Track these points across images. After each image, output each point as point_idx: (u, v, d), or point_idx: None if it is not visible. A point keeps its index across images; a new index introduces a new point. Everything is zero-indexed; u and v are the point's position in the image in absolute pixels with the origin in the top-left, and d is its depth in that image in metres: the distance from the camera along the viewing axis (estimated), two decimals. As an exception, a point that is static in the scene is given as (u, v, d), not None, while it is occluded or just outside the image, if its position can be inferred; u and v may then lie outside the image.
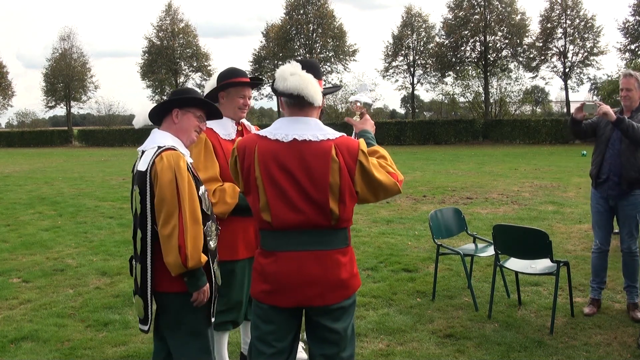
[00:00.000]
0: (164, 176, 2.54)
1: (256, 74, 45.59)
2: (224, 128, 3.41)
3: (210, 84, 3.52)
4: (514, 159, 21.11)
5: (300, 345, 3.80)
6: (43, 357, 4.03)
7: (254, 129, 3.61)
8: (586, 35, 36.89)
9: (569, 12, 36.99)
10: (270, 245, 2.51)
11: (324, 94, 2.69)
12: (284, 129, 2.47)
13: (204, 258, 2.61)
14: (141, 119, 2.86)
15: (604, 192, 4.57)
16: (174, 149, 2.65)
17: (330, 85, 3.09)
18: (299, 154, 2.42)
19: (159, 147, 2.64)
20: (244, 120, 3.57)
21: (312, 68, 2.54)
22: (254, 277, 2.60)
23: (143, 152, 2.70)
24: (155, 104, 2.83)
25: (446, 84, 40.71)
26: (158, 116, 2.80)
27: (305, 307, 2.52)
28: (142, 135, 39.52)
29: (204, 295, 2.67)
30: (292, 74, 2.45)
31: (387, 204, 10.49)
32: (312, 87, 2.44)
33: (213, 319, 2.82)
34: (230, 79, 3.40)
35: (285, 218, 2.43)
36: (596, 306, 4.65)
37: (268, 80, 45.51)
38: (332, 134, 2.48)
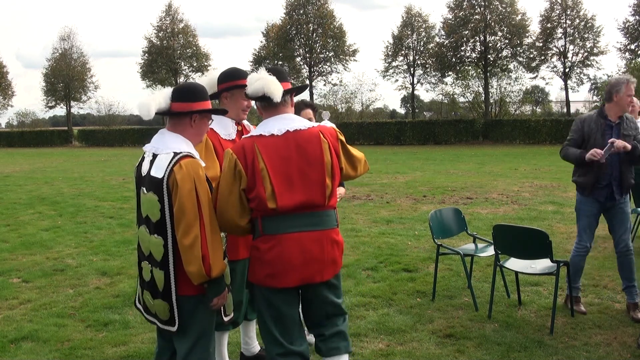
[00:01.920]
0: (184, 186, 2.51)
1: (256, 74, 45.53)
2: (225, 128, 3.42)
3: (207, 81, 3.48)
4: (514, 159, 21.12)
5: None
6: (43, 357, 4.03)
7: (252, 129, 3.62)
8: (586, 35, 36.89)
9: (569, 12, 36.99)
10: (273, 229, 2.74)
11: (291, 92, 3.00)
12: (274, 126, 2.81)
13: (224, 265, 2.63)
14: (153, 111, 2.69)
15: (602, 196, 4.57)
16: (192, 156, 2.61)
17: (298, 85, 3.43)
18: (294, 142, 2.77)
19: (175, 154, 2.58)
20: (244, 121, 3.58)
21: (276, 72, 2.88)
22: (254, 265, 2.81)
23: (155, 155, 2.63)
24: (170, 106, 2.71)
25: (446, 84, 40.75)
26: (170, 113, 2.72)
27: (307, 285, 2.80)
28: (142, 135, 39.61)
29: (224, 299, 2.71)
30: (257, 80, 2.81)
31: (387, 204, 10.49)
32: (273, 86, 2.79)
33: (227, 318, 2.85)
34: (237, 81, 3.38)
35: (290, 201, 2.71)
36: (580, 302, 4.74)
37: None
38: (312, 123, 2.89)
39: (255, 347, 3.89)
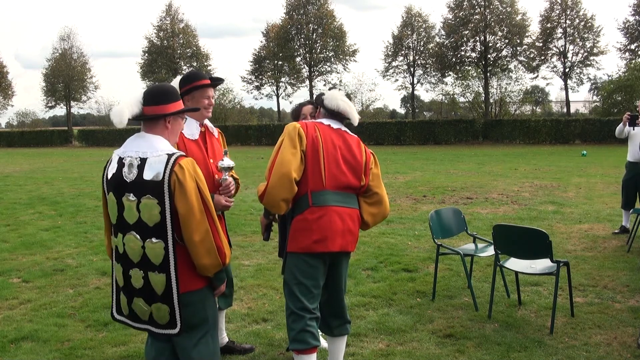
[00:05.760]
0: (188, 185, 2.55)
1: (256, 74, 45.72)
2: (189, 129, 3.47)
3: (178, 83, 3.50)
4: (514, 159, 21.12)
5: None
6: (43, 357, 4.03)
7: (215, 131, 3.72)
8: (586, 35, 36.91)
9: (568, 12, 37.02)
10: (321, 202, 3.23)
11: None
12: (330, 123, 3.40)
13: (230, 252, 2.75)
14: (125, 118, 2.66)
15: None
16: (185, 156, 2.63)
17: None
18: (342, 137, 3.39)
19: (169, 155, 2.59)
20: (206, 122, 3.61)
21: (349, 97, 3.32)
22: (297, 236, 3.22)
23: (143, 159, 2.60)
24: (143, 111, 2.69)
25: (446, 84, 40.79)
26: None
27: (338, 253, 3.31)
28: (142, 135, 39.62)
29: (225, 285, 2.84)
30: (341, 99, 3.40)
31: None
32: (355, 114, 3.47)
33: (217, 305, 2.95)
34: (195, 83, 3.44)
35: (336, 177, 3.27)
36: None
37: (268, 80, 45.64)
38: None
39: (224, 338, 3.98)
